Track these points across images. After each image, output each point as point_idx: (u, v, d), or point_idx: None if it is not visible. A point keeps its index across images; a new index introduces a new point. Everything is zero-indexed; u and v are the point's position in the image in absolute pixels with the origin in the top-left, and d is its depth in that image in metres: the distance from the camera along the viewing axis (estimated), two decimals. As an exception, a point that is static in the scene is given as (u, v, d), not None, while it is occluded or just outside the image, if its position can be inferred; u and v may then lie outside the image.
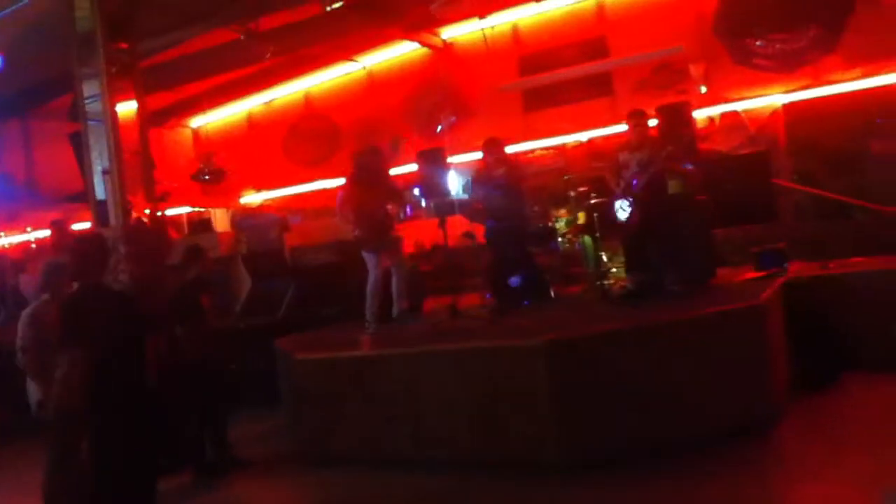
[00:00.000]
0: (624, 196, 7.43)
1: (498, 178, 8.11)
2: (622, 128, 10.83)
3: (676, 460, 5.45)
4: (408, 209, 12.02)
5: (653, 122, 9.73)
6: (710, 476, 5.20)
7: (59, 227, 12.66)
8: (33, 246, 13.77)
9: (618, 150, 7.69)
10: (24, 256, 13.07)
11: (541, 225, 9.08)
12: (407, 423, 6.23)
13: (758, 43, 10.88)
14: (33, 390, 5.80)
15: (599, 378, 5.75)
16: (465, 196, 11.55)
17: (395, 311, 7.95)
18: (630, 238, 7.60)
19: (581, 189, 8.98)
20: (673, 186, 7.68)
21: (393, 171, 7.99)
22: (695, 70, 11.42)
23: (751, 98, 11.14)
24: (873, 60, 10.22)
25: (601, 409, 5.72)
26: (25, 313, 5.89)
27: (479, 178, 8.44)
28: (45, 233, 13.21)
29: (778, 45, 10.65)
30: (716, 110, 11.39)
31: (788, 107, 10.92)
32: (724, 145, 11.25)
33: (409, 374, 6.25)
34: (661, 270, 7.36)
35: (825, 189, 10.13)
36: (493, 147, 8.32)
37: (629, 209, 7.40)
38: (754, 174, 10.07)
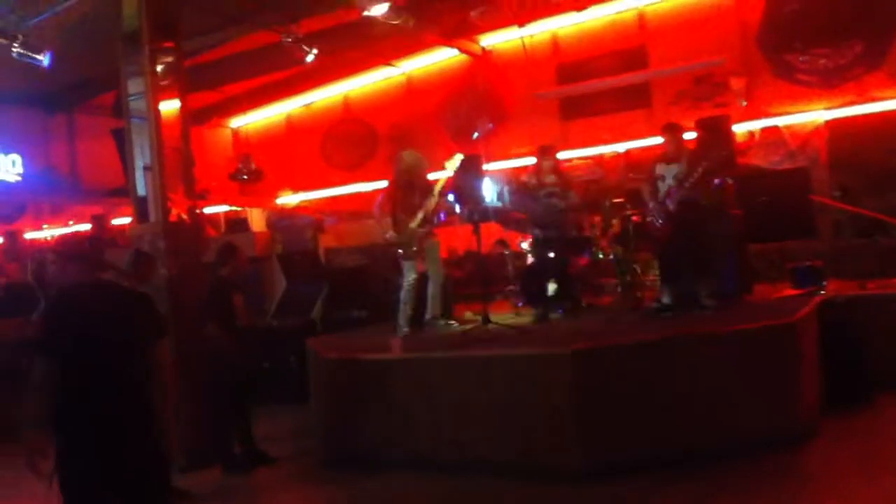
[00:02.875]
0: (658, 209, 7.38)
1: (549, 186, 8.10)
2: (659, 140, 10.83)
3: (702, 473, 5.42)
4: (441, 215, 12.05)
5: (692, 135, 9.71)
6: (735, 490, 5.16)
7: (100, 222, 12.94)
8: (75, 239, 14.04)
9: (654, 162, 7.65)
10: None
11: (576, 234, 9.05)
12: (431, 426, 6.25)
13: (801, 58, 10.78)
14: None
15: (626, 389, 5.74)
16: (500, 203, 11.54)
17: (427, 316, 7.96)
18: (664, 251, 7.55)
19: (616, 200, 8.94)
20: (707, 202, 7.60)
21: (440, 178, 7.90)
22: (735, 83, 11.32)
23: (792, 113, 11.01)
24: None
25: (626, 419, 5.70)
26: None
27: (525, 185, 8.40)
28: (87, 227, 13.50)
29: (822, 61, 10.54)
30: (756, 125, 11.27)
31: (831, 123, 10.76)
32: (763, 160, 11.14)
33: (434, 379, 6.28)
34: (694, 284, 7.30)
35: (866, 207, 9.97)
36: (547, 153, 8.32)
37: (662, 222, 7.36)
38: (793, 190, 9.93)
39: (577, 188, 8.66)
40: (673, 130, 7.52)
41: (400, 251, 7.80)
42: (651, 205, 7.50)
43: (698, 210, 7.26)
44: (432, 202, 7.72)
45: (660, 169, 7.44)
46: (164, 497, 3.86)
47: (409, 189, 7.81)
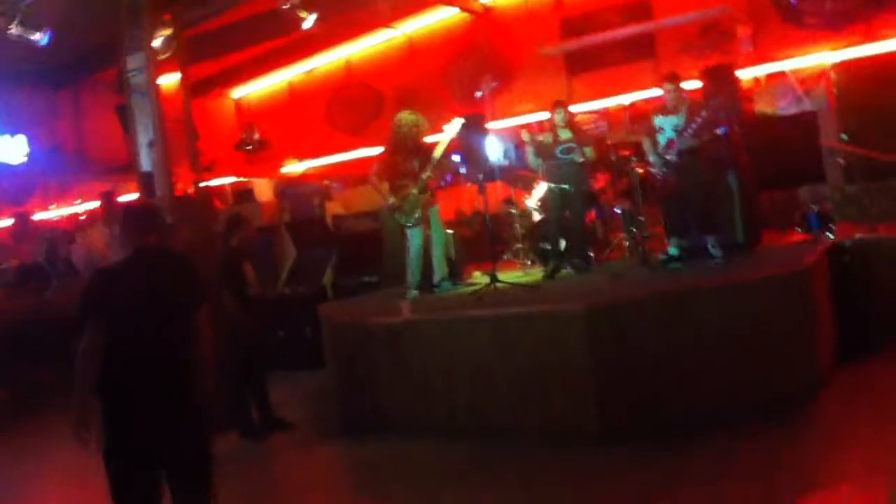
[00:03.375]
0: (659, 161, 7.34)
1: (564, 142, 8.05)
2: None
3: (717, 427, 5.42)
4: (448, 177, 12.02)
5: (697, 85, 9.60)
6: (750, 442, 5.18)
7: (108, 199, 12.98)
8: (83, 217, 14.12)
9: (652, 114, 7.59)
10: (74, 228, 13.42)
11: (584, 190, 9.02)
12: (443, 389, 6.31)
13: (807, 1, 10.58)
14: None
15: (638, 344, 5.75)
16: (507, 162, 11.49)
17: (435, 278, 7.97)
18: (667, 203, 7.52)
19: (623, 153, 8.89)
20: (712, 151, 7.54)
21: (442, 141, 7.80)
22: (742, 31, 11.14)
23: (798, 57, 10.84)
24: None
25: (640, 375, 5.72)
26: None
27: (541, 142, 8.33)
28: (95, 204, 13.55)
29: (828, 4, 10.35)
30: (762, 70, 11.11)
31: (837, 66, 10.60)
32: (770, 106, 11.01)
33: (446, 341, 6.32)
34: (701, 235, 7.28)
35: (875, 150, 9.86)
36: (560, 108, 8.26)
37: (663, 174, 7.32)
38: (801, 135, 9.82)
39: (593, 144, 8.59)
40: (672, 81, 7.44)
41: (402, 218, 7.76)
42: (652, 157, 7.46)
43: (700, 160, 7.21)
44: (432, 168, 7.64)
45: (659, 121, 7.39)
46: (207, 467, 3.84)
47: (407, 153, 7.72)
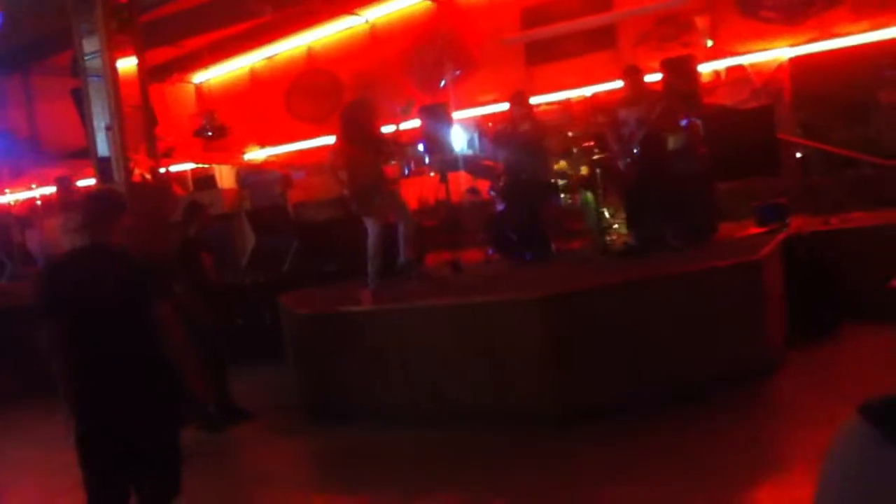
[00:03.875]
0: (622, 152, 7.42)
1: (523, 134, 8.07)
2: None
3: (676, 410, 5.55)
4: (410, 165, 11.99)
5: (658, 77, 9.70)
6: (709, 423, 5.32)
7: (65, 184, 12.72)
8: (38, 203, 13.83)
9: (616, 107, 7.66)
10: (29, 213, 13.15)
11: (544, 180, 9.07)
12: (406, 377, 6.32)
13: (765, -6, 10.74)
14: None
15: (596, 332, 5.84)
16: (470, 152, 11.51)
17: (400, 260, 7.90)
18: (629, 193, 7.60)
19: (584, 144, 8.95)
20: (672, 142, 7.65)
21: (394, 127, 7.74)
22: (700, 22, 11.28)
23: (757, 51, 11.01)
24: (880, 12, 10.07)
25: (598, 361, 5.81)
26: None
27: (501, 133, 8.36)
28: (51, 189, 13.28)
29: (784, -3, 10.51)
30: (722, 64, 11.27)
31: (794, 60, 10.79)
32: (729, 99, 11.16)
33: (407, 330, 6.33)
34: (661, 225, 7.38)
35: (830, 143, 10.07)
36: (520, 100, 8.26)
37: (626, 165, 7.41)
38: (759, 128, 9.97)
39: (550, 134, 8.65)
40: (632, 73, 7.52)
41: (357, 208, 7.68)
42: (615, 148, 7.53)
43: (661, 150, 7.30)
44: (386, 155, 7.57)
45: (622, 113, 7.46)
46: (175, 462, 3.81)
47: (362, 141, 7.59)
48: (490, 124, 8.68)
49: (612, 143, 7.59)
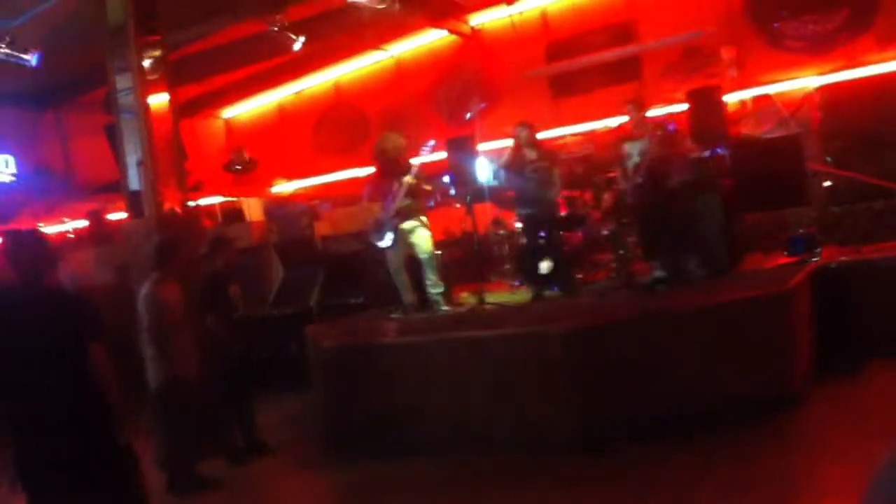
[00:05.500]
0: (630, 186, 7.42)
1: (530, 164, 8.10)
2: (650, 113, 10.79)
3: (699, 441, 5.48)
4: (437, 196, 12.03)
5: (684, 107, 9.69)
6: (732, 455, 5.25)
7: (97, 217, 12.94)
8: (70, 236, 14.05)
9: (620, 142, 7.67)
10: (61, 246, 13.35)
11: (570, 211, 9.06)
12: (429, 409, 6.30)
13: (790, 25, 10.73)
14: (153, 369, 6.03)
15: (620, 364, 5.79)
16: (495, 183, 11.54)
17: (428, 295, 7.96)
18: (641, 226, 7.57)
19: (609, 175, 8.94)
20: (686, 174, 7.60)
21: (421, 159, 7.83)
22: (726, 53, 11.27)
23: (783, 81, 10.97)
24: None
25: (622, 393, 5.76)
26: (143, 293, 6.10)
27: (509, 163, 8.42)
28: (83, 223, 13.51)
29: (810, 27, 10.50)
30: (748, 94, 11.24)
31: (822, 89, 10.72)
32: (756, 129, 11.10)
33: (430, 362, 6.33)
34: (681, 257, 7.33)
35: (860, 173, 9.95)
36: (521, 130, 8.31)
37: (634, 198, 7.40)
38: (787, 158, 9.87)
39: (561, 164, 8.67)
40: (635, 105, 7.52)
41: (375, 238, 7.78)
42: (623, 184, 7.54)
43: (669, 183, 7.26)
44: (405, 190, 7.63)
45: (627, 147, 7.47)
46: (129, 494, 3.73)
47: (392, 174, 7.76)
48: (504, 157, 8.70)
49: (620, 179, 7.60)
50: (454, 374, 6.19)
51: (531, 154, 8.16)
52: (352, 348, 6.87)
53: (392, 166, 7.76)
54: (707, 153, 7.98)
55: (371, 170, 8.44)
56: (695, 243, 7.36)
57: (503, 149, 11.97)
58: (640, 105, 7.54)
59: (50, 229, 14.25)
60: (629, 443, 5.56)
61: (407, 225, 7.75)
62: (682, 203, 7.33)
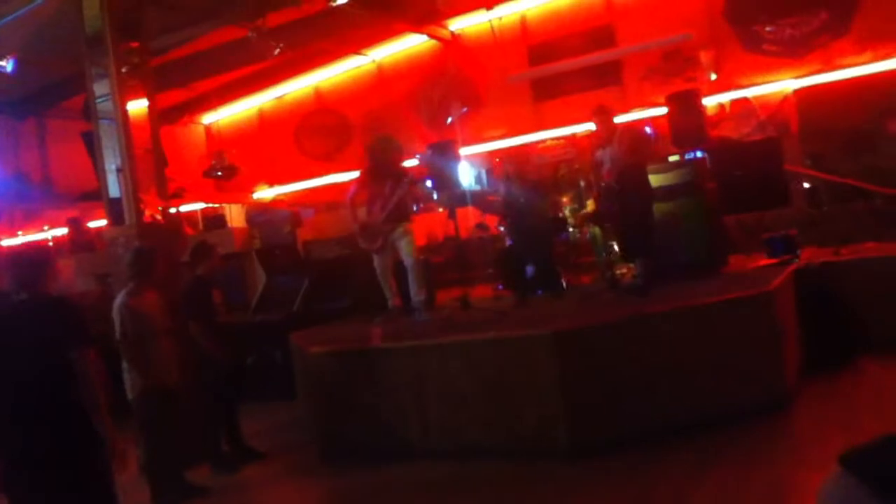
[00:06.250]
0: (603, 192, 7.49)
1: (526, 172, 8.19)
2: (631, 116, 10.88)
3: (692, 444, 5.49)
4: (416, 206, 12.03)
5: (663, 111, 9.76)
6: (726, 457, 5.25)
7: (76, 225, 12.83)
8: (51, 244, 13.92)
9: (592, 150, 7.74)
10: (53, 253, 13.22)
11: (552, 215, 9.10)
12: (418, 413, 6.28)
13: (767, 28, 10.84)
14: (131, 379, 5.97)
15: (607, 367, 5.81)
16: (478, 187, 11.56)
17: (413, 300, 7.94)
18: (620, 228, 7.62)
19: (590, 178, 8.97)
20: (667, 177, 7.67)
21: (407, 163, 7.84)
22: (704, 57, 11.38)
23: (761, 84, 11.08)
24: (884, 43, 10.15)
25: (609, 397, 5.76)
26: (117, 303, 6.04)
27: (502, 171, 8.49)
28: (63, 231, 13.38)
29: (788, 31, 10.61)
30: (726, 97, 11.34)
31: (799, 92, 10.86)
32: (735, 132, 11.22)
33: (418, 366, 6.30)
34: (663, 259, 7.38)
35: (838, 174, 10.07)
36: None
37: (608, 204, 7.47)
38: (766, 160, 10.01)
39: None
40: (601, 113, 7.57)
41: (364, 243, 7.77)
42: (596, 188, 7.62)
43: (642, 186, 7.32)
44: (398, 195, 7.63)
45: (598, 154, 7.53)
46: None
47: (381, 177, 7.73)
48: (497, 160, 8.72)
49: (594, 185, 7.68)
50: (443, 380, 6.17)
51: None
52: (339, 355, 6.83)
53: (385, 169, 7.73)
54: (687, 156, 8.03)
55: (356, 173, 8.35)
56: (680, 245, 7.39)
57: (490, 152, 12.07)
58: (605, 111, 7.59)
59: (29, 237, 14.12)
60: (622, 447, 5.55)
61: (396, 230, 7.74)
62: (643, 206, 7.34)
